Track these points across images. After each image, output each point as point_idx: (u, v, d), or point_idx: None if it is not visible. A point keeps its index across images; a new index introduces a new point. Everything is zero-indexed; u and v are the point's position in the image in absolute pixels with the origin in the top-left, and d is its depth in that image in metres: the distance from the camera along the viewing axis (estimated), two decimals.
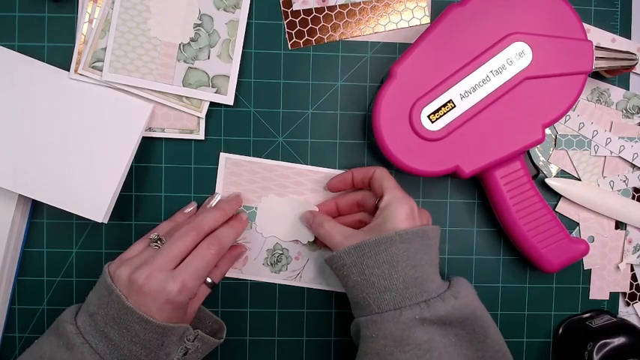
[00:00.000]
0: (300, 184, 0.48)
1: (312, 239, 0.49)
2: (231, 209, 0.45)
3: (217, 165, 0.48)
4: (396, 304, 0.39)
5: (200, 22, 0.46)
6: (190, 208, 0.47)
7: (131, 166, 0.47)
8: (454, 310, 0.38)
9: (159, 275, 0.39)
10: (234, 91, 0.47)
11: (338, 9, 0.48)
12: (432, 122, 0.43)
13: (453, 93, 0.43)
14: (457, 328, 0.39)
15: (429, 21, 0.49)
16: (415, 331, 0.38)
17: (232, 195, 0.48)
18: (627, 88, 0.50)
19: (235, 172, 0.48)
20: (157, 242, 0.42)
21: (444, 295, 0.39)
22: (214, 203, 0.47)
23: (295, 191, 0.48)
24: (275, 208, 0.48)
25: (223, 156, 0.48)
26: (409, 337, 0.38)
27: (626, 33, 0.50)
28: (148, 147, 0.48)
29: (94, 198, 0.44)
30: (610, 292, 0.51)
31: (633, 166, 0.50)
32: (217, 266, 0.45)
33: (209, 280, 0.44)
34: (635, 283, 0.51)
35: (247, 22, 0.47)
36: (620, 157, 0.50)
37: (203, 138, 0.48)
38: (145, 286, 0.38)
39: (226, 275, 0.48)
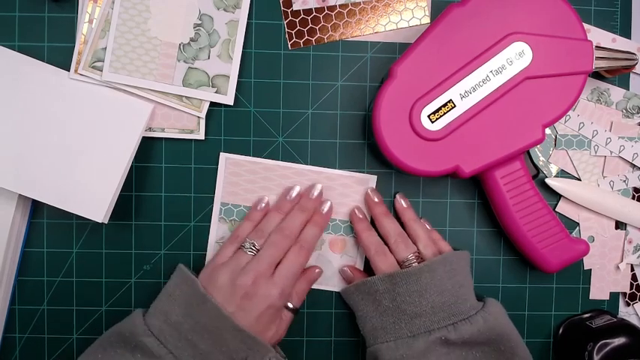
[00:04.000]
0: (300, 184, 0.48)
1: None
2: (315, 206, 0.46)
3: (217, 165, 0.48)
4: (426, 327, 0.41)
5: (200, 22, 0.46)
6: (263, 204, 0.47)
7: (131, 166, 0.47)
8: (479, 333, 0.41)
9: (262, 281, 0.41)
10: (234, 91, 0.47)
11: (338, 9, 0.48)
12: (432, 122, 0.43)
13: (453, 93, 0.43)
14: (483, 346, 0.41)
15: (429, 21, 0.49)
16: (441, 349, 0.41)
17: (313, 188, 0.47)
18: (627, 88, 0.50)
19: (235, 172, 0.48)
20: (250, 248, 0.43)
21: (474, 317, 0.41)
22: (294, 195, 0.47)
23: None
24: None
25: (223, 156, 0.48)
26: (433, 354, 0.41)
27: (626, 33, 0.50)
28: (148, 147, 0.48)
29: (94, 198, 0.44)
30: (610, 292, 0.51)
31: (633, 166, 0.50)
32: (294, 289, 0.46)
33: (290, 305, 0.45)
34: (635, 283, 0.51)
35: (247, 22, 0.47)
36: (620, 157, 0.50)
37: (203, 138, 0.48)
38: (251, 291, 0.41)
39: None
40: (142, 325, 0.40)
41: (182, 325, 0.40)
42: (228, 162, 0.48)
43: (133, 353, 0.39)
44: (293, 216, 0.45)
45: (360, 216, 0.48)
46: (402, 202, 0.48)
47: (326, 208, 0.47)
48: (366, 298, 0.44)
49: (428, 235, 0.46)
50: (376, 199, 0.47)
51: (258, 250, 0.43)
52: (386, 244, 0.46)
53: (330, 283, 0.49)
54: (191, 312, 0.40)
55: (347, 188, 0.49)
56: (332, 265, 0.49)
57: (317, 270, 0.48)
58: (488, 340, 0.41)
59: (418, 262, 0.44)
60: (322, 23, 0.48)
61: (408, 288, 0.42)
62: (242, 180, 0.48)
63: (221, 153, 0.48)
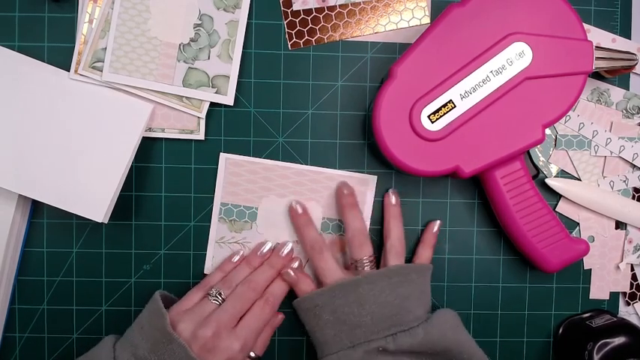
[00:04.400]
0: (300, 185, 0.48)
1: None
2: (284, 264, 0.46)
3: (217, 165, 0.48)
4: (366, 337, 0.42)
5: (200, 22, 0.46)
6: (237, 257, 0.47)
7: (131, 166, 0.47)
8: (420, 345, 0.41)
9: (224, 333, 0.41)
10: (234, 91, 0.47)
11: (338, 9, 0.48)
12: (432, 122, 0.43)
13: (453, 93, 0.43)
14: (430, 357, 0.41)
15: (429, 21, 0.49)
16: (381, 358, 0.41)
17: (284, 246, 0.47)
18: (627, 88, 0.50)
19: (235, 173, 0.48)
20: (216, 297, 0.43)
21: (414, 329, 0.41)
22: (265, 250, 0.47)
23: (295, 191, 0.48)
24: (275, 209, 0.48)
25: (223, 156, 0.48)
26: None
27: (626, 33, 0.50)
28: (148, 147, 0.48)
29: (94, 198, 0.44)
30: (610, 292, 0.51)
31: (633, 166, 0.50)
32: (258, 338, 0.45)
33: (252, 354, 0.45)
34: (635, 283, 0.51)
35: (247, 22, 0.47)
36: (620, 157, 0.50)
37: (203, 138, 0.48)
38: (211, 342, 0.40)
39: None
40: (108, 357, 0.40)
41: None
42: (228, 162, 0.48)
43: None
44: (261, 271, 0.46)
45: (300, 211, 0.47)
46: (391, 199, 0.48)
47: (294, 266, 0.47)
48: (308, 314, 0.45)
49: (399, 237, 0.46)
50: (345, 192, 0.46)
51: (224, 299, 0.43)
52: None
53: None
54: (157, 349, 0.39)
55: None
56: None
57: (280, 316, 0.47)
58: (434, 352, 0.41)
59: (370, 267, 0.44)
60: (322, 23, 0.48)
61: (347, 299, 0.42)
62: (242, 180, 0.48)
63: (221, 153, 0.48)
